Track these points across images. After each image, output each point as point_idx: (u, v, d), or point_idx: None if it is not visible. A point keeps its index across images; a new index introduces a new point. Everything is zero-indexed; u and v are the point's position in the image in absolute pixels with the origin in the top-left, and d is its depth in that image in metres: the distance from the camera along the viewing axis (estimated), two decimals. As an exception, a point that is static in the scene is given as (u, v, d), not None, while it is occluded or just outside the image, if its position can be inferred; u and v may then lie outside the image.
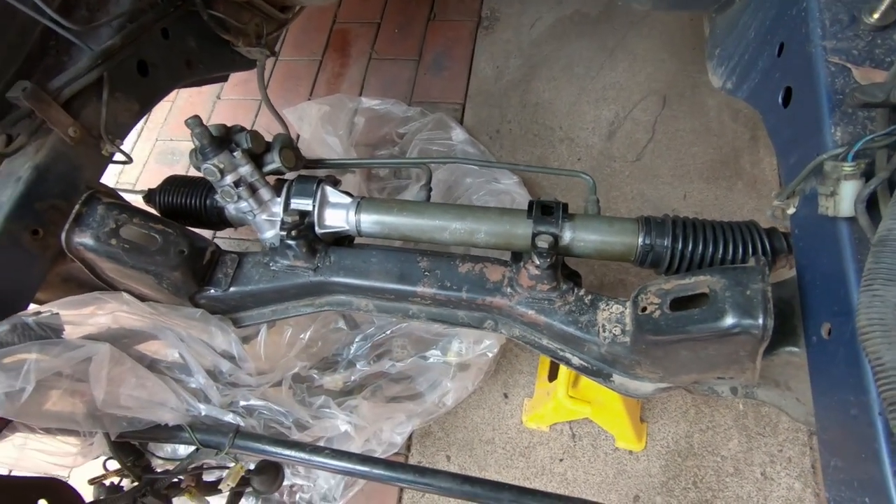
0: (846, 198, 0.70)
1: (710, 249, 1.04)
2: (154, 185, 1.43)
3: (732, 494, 1.57)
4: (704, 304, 0.84)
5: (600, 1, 2.50)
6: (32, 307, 1.06)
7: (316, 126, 2.07)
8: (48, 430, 1.04)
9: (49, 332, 0.96)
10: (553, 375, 1.75)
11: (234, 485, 1.21)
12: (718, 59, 1.35)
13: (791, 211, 0.87)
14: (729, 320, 0.80)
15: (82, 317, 1.06)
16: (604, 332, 1.04)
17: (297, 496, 1.71)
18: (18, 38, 1.09)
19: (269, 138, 1.28)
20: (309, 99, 2.51)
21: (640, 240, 1.08)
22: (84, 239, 1.04)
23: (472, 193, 1.92)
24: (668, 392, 1.11)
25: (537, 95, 2.34)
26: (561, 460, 1.70)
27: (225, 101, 2.60)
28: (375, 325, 1.54)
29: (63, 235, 1.03)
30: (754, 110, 1.11)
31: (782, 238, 1.02)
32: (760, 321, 0.78)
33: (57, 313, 1.00)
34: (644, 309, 0.92)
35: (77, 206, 1.05)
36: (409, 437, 1.73)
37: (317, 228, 1.22)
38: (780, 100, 0.97)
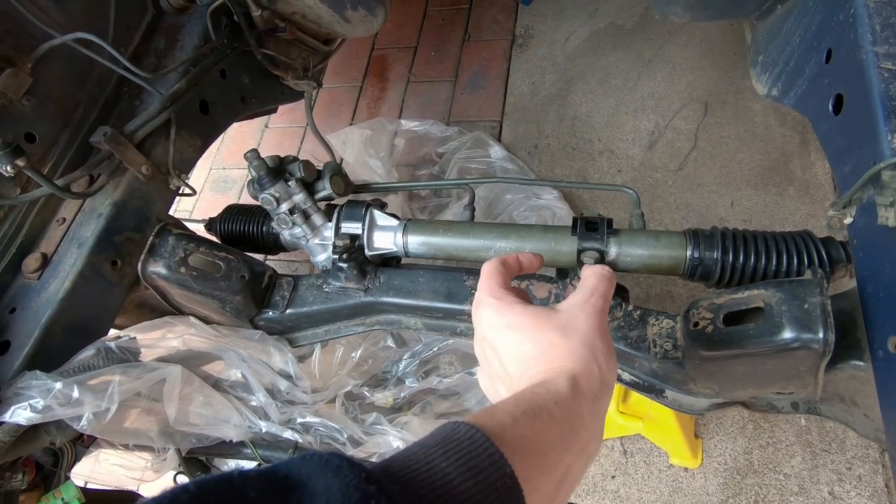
0: (907, 208, 0.69)
1: (763, 261, 1.02)
2: (210, 212, 1.54)
3: (798, 515, 1.51)
4: (760, 319, 0.83)
5: (635, 12, 2.50)
6: (112, 332, 1.16)
7: (359, 150, 2.15)
8: (126, 447, 1.13)
9: (128, 355, 1.04)
10: (602, 390, 1.73)
11: (293, 500, 1.26)
12: (762, 67, 1.33)
13: (848, 221, 0.85)
14: (787, 335, 0.79)
15: (155, 340, 1.14)
16: (654, 347, 1.03)
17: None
18: (97, 88, 1.20)
19: (316, 163, 1.35)
20: (351, 123, 2.61)
21: (689, 253, 1.07)
22: (157, 268, 1.12)
23: (513, 210, 1.94)
24: (724, 408, 1.08)
25: (574, 109, 2.35)
26: (613, 477, 1.67)
27: (273, 130, 2.73)
28: (423, 343, 1.58)
29: (139, 265, 1.12)
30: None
31: (840, 247, 0.98)
32: (821, 335, 0.76)
33: (134, 337, 1.08)
34: (696, 324, 0.91)
35: (151, 238, 1.14)
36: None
37: (366, 251, 1.27)
38: (830, 107, 0.94)
